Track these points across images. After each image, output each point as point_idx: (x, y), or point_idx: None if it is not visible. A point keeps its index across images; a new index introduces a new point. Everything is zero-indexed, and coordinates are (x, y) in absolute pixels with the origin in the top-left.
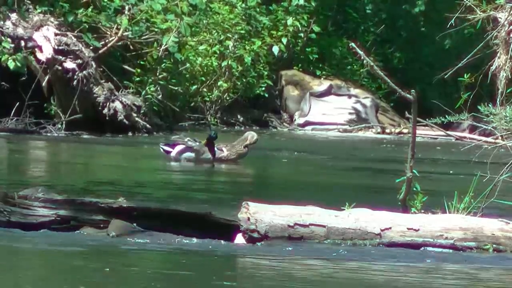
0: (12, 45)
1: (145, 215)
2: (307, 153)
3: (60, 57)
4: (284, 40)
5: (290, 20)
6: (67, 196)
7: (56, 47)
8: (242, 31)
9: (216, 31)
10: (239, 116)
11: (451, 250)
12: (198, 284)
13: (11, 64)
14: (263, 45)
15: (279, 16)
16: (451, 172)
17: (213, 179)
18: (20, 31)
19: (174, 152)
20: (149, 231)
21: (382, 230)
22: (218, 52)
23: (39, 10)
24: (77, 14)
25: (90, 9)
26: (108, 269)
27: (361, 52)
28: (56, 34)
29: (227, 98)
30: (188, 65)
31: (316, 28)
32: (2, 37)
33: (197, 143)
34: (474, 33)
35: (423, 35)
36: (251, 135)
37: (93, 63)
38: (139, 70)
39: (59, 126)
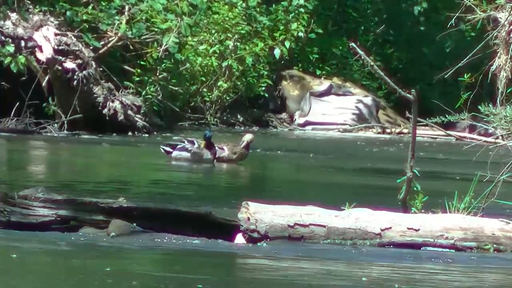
0: (13, 45)
1: (145, 215)
2: (307, 153)
3: (60, 57)
4: (287, 44)
5: (294, 25)
6: (67, 196)
7: (56, 47)
8: (243, 31)
9: (216, 31)
10: (239, 116)
11: (451, 250)
12: (198, 284)
13: (14, 68)
14: (265, 47)
15: (279, 16)
16: (451, 172)
17: (213, 179)
18: (20, 31)
19: (174, 152)
20: (149, 231)
21: (382, 230)
22: (218, 52)
23: (39, 9)
24: (77, 12)
25: (90, 7)
26: (108, 269)
27: (361, 52)
28: (56, 34)
29: (227, 98)
30: (188, 65)
31: (317, 29)
32: (3, 38)
33: (196, 146)
34: (475, 34)
35: (423, 35)
36: (246, 136)
37: (93, 63)
38: (139, 70)
39: (56, 126)
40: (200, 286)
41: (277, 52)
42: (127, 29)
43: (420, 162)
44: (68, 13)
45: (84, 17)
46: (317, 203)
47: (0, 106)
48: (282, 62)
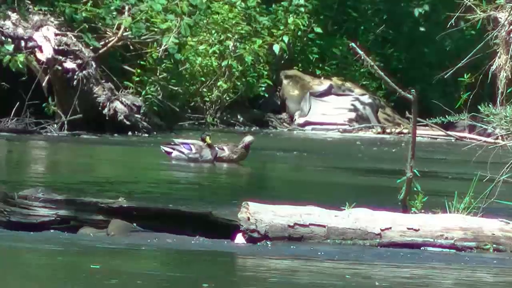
0: (12, 45)
1: (145, 215)
2: (307, 153)
3: (60, 57)
4: (286, 39)
5: (291, 19)
6: (67, 196)
7: (56, 47)
8: (242, 31)
9: (216, 31)
10: (239, 116)
11: (451, 250)
12: (198, 284)
13: (13, 66)
14: (263, 43)
15: (279, 16)
16: (451, 172)
17: (213, 179)
18: (20, 31)
19: (174, 153)
20: (149, 231)
21: (382, 230)
22: (218, 52)
23: (38, 8)
24: (76, 9)
25: (89, 4)
26: (107, 269)
27: (361, 52)
28: (56, 34)
29: (227, 98)
30: (188, 65)
31: (317, 29)
32: (3, 38)
33: (193, 151)
34: (474, 33)
35: (423, 35)
36: (246, 138)
37: (93, 63)
38: (139, 70)
39: (56, 126)
40: (206, 285)
41: (276, 47)
42: (130, 26)
43: (420, 162)
44: (66, 10)
45: (84, 15)
46: (317, 203)
47: (0, 106)
48: (282, 62)
